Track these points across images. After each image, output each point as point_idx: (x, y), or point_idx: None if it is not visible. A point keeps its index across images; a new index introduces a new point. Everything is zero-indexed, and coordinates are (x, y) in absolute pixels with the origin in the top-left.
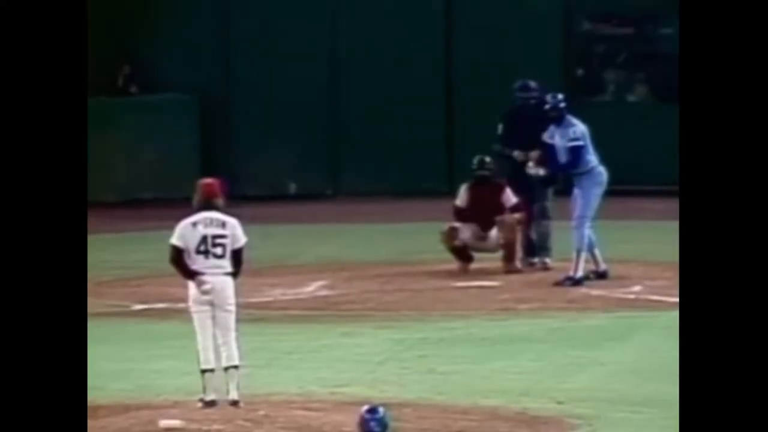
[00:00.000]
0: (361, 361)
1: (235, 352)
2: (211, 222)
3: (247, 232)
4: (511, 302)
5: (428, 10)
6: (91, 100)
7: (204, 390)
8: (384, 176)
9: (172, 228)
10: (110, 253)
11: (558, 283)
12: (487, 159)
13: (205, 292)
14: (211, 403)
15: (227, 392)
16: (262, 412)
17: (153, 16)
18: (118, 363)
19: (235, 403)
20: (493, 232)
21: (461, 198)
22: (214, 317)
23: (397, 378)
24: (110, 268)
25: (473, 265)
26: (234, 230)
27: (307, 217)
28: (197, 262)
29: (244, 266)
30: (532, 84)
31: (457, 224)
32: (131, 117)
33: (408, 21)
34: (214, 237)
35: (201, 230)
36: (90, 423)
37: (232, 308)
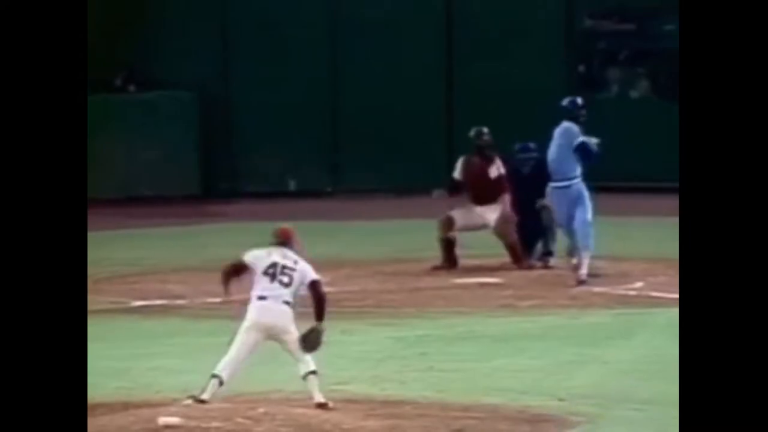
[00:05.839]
0: (361, 359)
1: (310, 359)
2: (285, 256)
3: (245, 230)
4: (512, 299)
5: (429, 8)
6: (91, 97)
7: (203, 390)
8: (384, 174)
9: (171, 225)
10: (109, 250)
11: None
12: (485, 130)
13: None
14: (201, 401)
15: (312, 397)
16: (261, 410)
17: (153, 13)
18: (117, 361)
19: (323, 405)
20: (479, 209)
21: (458, 170)
22: (265, 341)
23: (398, 376)
24: (109, 264)
25: (476, 262)
26: (304, 269)
27: (306, 214)
28: (261, 284)
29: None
30: (532, 145)
31: (453, 213)
32: (131, 114)
33: (408, 18)
34: (284, 267)
35: (274, 257)
36: (89, 421)
37: (294, 332)
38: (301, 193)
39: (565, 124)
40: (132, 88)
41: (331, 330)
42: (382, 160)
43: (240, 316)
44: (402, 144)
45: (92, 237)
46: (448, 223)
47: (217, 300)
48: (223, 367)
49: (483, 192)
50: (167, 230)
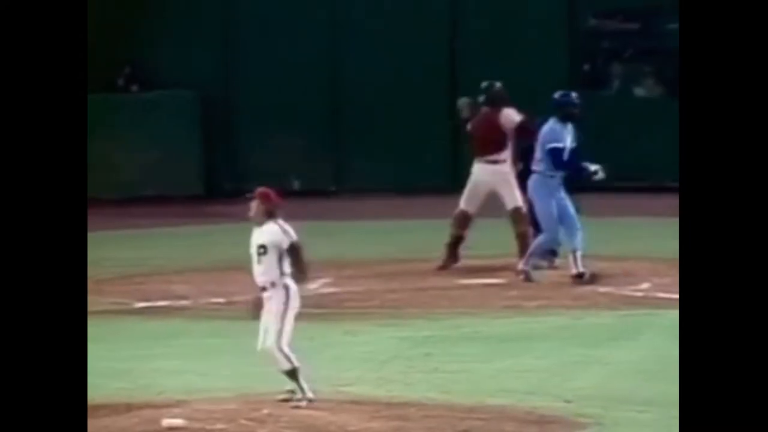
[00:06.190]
0: (365, 360)
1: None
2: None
3: (249, 230)
4: (517, 300)
5: (431, 7)
6: (92, 97)
7: (302, 390)
8: (388, 173)
9: (174, 225)
10: (112, 251)
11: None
12: (497, 84)
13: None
14: (310, 400)
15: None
16: (266, 411)
17: (154, 12)
18: (119, 362)
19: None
20: (483, 172)
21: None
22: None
23: (402, 377)
24: (111, 265)
25: (480, 262)
26: None
27: (310, 214)
28: (288, 265)
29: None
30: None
31: (464, 207)
32: (133, 114)
33: (412, 16)
34: None
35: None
36: (91, 422)
37: None
38: (305, 193)
39: (550, 124)
40: (134, 87)
41: (334, 331)
42: (387, 159)
43: (242, 317)
44: (407, 143)
45: (94, 237)
46: (463, 220)
47: (221, 300)
48: (292, 356)
49: (489, 142)
50: (170, 230)
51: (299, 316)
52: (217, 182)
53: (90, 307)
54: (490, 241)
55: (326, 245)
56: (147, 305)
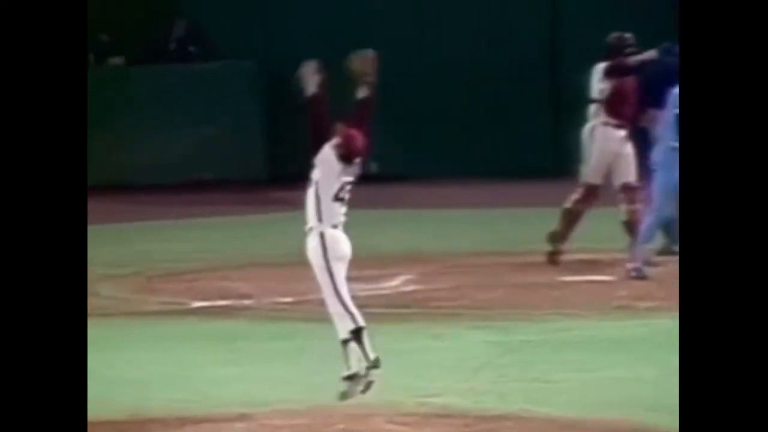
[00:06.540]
0: (453, 367)
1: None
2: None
3: None
4: (628, 299)
5: None
6: (141, 68)
7: (366, 356)
8: (480, 154)
9: (234, 214)
10: (164, 243)
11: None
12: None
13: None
14: (375, 364)
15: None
16: (341, 426)
17: None
18: (173, 368)
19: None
20: (606, 138)
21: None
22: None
23: (496, 386)
24: (164, 260)
25: (585, 256)
26: None
27: (390, 201)
28: (332, 210)
29: None
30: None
31: (590, 179)
32: (187, 87)
33: None
34: (348, 183)
35: (343, 178)
36: None
37: None
38: (383, 177)
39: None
40: (191, 48)
41: (419, 334)
42: (478, 139)
43: (311, 318)
44: (501, 122)
45: (143, 228)
46: (589, 194)
47: (288, 300)
48: (357, 314)
49: (626, 105)
50: (229, 219)
51: (377, 318)
52: (282, 165)
53: (140, 308)
54: (596, 233)
55: (408, 236)
56: (204, 305)
